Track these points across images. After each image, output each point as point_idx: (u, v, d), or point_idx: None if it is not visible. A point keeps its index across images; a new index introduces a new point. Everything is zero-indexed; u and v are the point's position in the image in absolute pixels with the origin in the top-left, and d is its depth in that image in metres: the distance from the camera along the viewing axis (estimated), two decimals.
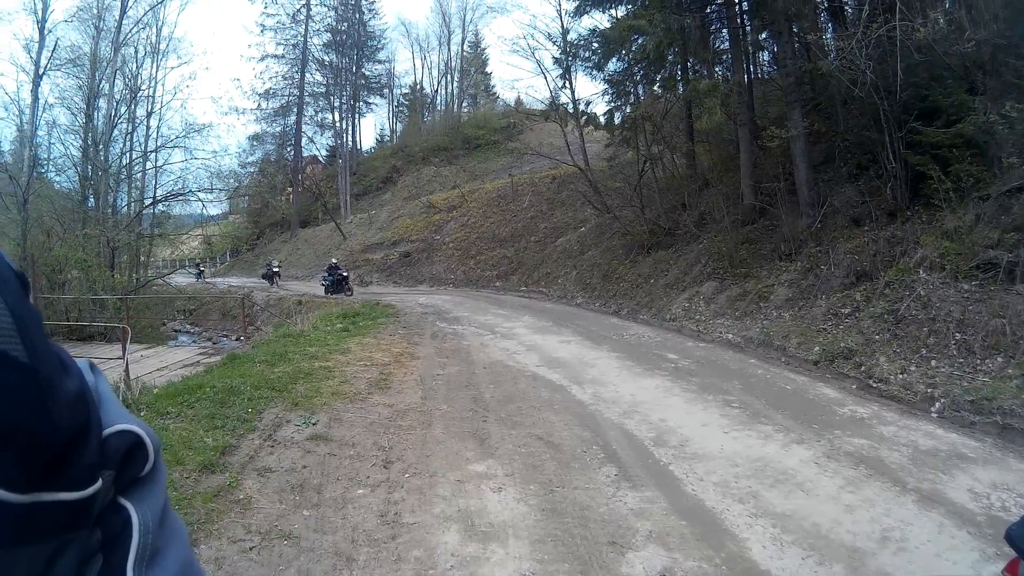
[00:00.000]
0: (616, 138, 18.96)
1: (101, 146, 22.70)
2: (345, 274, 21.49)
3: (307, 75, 46.66)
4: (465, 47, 52.42)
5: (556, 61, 21.04)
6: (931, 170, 8.97)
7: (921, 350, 7.46)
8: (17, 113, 22.54)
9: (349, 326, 12.32)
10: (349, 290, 20.78)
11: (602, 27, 18.21)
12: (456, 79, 52.39)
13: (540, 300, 18.15)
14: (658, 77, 16.93)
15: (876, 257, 9.36)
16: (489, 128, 41.24)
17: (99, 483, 0.51)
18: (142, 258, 25.16)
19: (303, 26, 46.12)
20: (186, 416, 5.92)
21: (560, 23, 20.88)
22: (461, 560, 3.69)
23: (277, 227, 45.01)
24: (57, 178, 23.94)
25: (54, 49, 21.48)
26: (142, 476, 0.59)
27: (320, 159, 51.14)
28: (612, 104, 18.82)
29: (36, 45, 21.05)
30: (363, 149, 54.12)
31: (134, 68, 24.76)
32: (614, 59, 17.72)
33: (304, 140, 47.61)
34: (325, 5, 47.27)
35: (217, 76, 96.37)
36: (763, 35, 14.94)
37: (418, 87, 54.66)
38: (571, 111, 20.60)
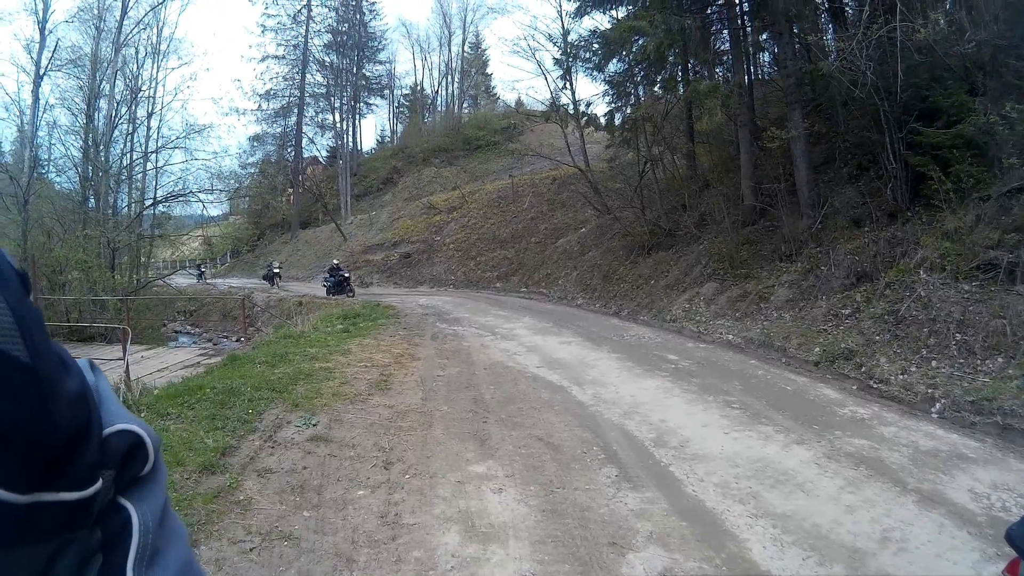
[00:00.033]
0: (616, 139, 18.98)
1: (102, 147, 22.71)
2: (347, 275, 21.42)
3: (308, 76, 46.76)
4: (466, 48, 52.50)
5: (556, 62, 21.10)
6: (931, 171, 8.97)
7: (921, 351, 7.45)
8: (18, 114, 22.61)
9: (349, 327, 12.32)
10: (351, 291, 20.70)
11: (603, 28, 18.28)
12: (457, 80, 52.47)
13: (540, 301, 18.14)
14: (658, 78, 16.94)
15: (876, 258, 9.36)
16: (490, 129, 41.21)
17: (99, 483, 0.51)
18: (142, 259, 25.21)
19: (304, 27, 46.23)
20: (186, 417, 5.92)
21: (560, 24, 20.97)
22: (461, 561, 3.69)
23: (278, 228, 45.03)
24: (58, 179, 24.02)
25: (55, 50, 21.55)
26: (142, 476, 0.59)
27: (321, 160, 51.17)
28: (613, 105, 18.84)
29: (37, 45, 21.13)
30: (364, 150, 54.25)
31: (135, 69, 24.82)
32: (615, 60, 17.76)
33: (305, 141, 47.75)
34: (326, 6, 47.41)
35: (218, 77, 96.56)
36: (763, 36, 14.95)
37: (419, 88, 54.69)
38: (572, 112, 20.62)
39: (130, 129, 24.33)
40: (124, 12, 23.77)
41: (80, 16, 23.09)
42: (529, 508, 4.36)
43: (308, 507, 4.36)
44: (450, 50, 51.76)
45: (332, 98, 47.59)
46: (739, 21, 14.49)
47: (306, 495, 4.55)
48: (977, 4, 9.16)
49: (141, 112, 25.03)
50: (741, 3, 14.27)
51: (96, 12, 23.36)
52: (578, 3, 18.71)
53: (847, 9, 13.05)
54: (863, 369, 7.62)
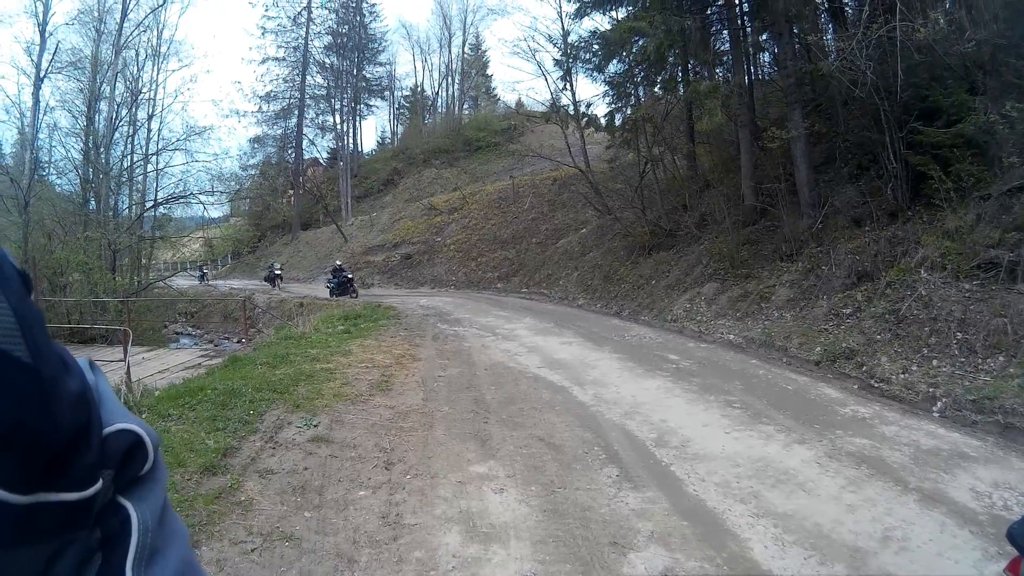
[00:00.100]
0: (617, 139, 18.99)
1: (102, 149, 22.72)
2: (350, 276, 21.34)
3: (308, 78, 46.73)
4: (466, 49, 52.47)
5: (557, 63, 21.07)
6: (932, 170, 8.97)
7: (923, 350, 7.45)
8: (18, 116, 22.63)
9: (350, 328, 12.32)
10: (354, 292, 20.62)
11: (603, 29, 18.29)
12: (457, 81, 52.45)
13: (541, 302, 18.14)
14: (659, 78, 16.96)
15: (877, 257, 9.36)
16: (490, 130, 41.16)
17: (99, 483, 0.51)
18: (143, 261, 25.21)
19: (304, 29, 46.20)
20: (187, 418, 5.92)
21: (560, 25, 20.92)
22: (462, 561, 3.69)
23: (278, 229, 45.01)
24: (58, 181, 24.02)
25: (55, 52, 21.56)
26: (142, 475, 0.59)
27: (321, 161, 51.15)
28: (613, 106, 18.85)
29: (37, 48, 21.14)
30: (364, 151, 54.23)
31: (135, 71, 24.84)
32: (615, 61, 17.77)
33: (305, 142, 47.73)
34: (326, 8, 47.38)
35: (218, 79, 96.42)
36: (763, 36, 14.95)
37: (419, 89, 54.69)
38: (572, 113, 20.61)
39: (130, 131, 24.39)
40: (124, 14, 23.82)
41: (80, 18, 23.16)
42: (530, 508, 4.36)
43: (309, 508, 4.36)
44: (450, 51, 51.83)
45: (332, 100, 47.61)
46: (739, 21, 14.49)
47: (307, 496, 4.55)
48: (977, 3, 9.16)
49: (141, 114, 25.10)
50: (741, 3, 14.28)
51: (96, 14, 23.42)
52: (578, 4, 18.70)
53: (847, 9, 13.07)
54: (864, 368, 7.62)
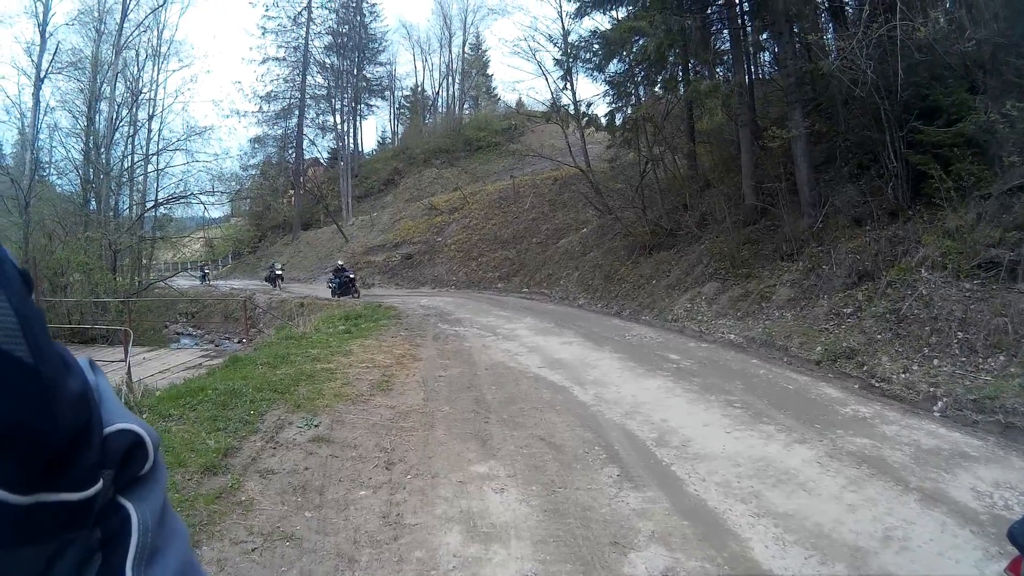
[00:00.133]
0: (617, 139, 18.99)
1: (103, 149, 22.76)
2: (352, 276, 21.24)
3: (308, 78, 46.76)
4: (466, 49, 52.47)
5: (557, 63, 21.05)
6: (932, 169, 8.96)
7: (923, 349, 7.45)
8: (19, 116, 22.69)
9: (351, 328, 12.32)
10: (356, 292, 20.56)
11: (603, 29, 18.29)
12: (457, 81, 52.46)
13: (542, 301, 18.13)
14: (659, 78, 16.96)
15: (878, 257, 9.35)
16: (490, 130, 41.15)
17: (100, 483, 0.51)
18: (144, 261, 25.25)
19: (304, 29, 46.23)
20: (188, 418, 5.92)
21: (561, 25, 20.90)
22: (463, 561, 3.69)
23: (279, 229, 45.03)
24: (59, 181, 24.07)
25: (55, 52, 21.58)
26: (142, 475, 0.59)
27: (322, 161, 51.15)
28: (613, 105, 18.85)
29: (37, 48, 21.17)
30: (365, 151, 54.24)
31: (135, 71, 24.88)
32: (615, 60, 17.77)
33: (305, 142, 47.76)
34: (326, 8, 47.41)
35: (218, 79, 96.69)
36: (764, 36, 14.95)
37: (419, 89, 54.71)
38: (572, 112, 20.59)
39: (131, 131, 24.43)
40: (124, 15, 23.86)
41: (80, 19, 23.22)
42: (531, 508, 4.36)
43: (310, 507, 4.36)
44: (450, 51, 51.85)
45: (333, 100, 47.65)
46: (739, 21, 14.49)
47: (308, 496, 4.55)
48: (977, 3, 9.16)
49: (142, 114, 25.15)
50: (741, 3, 14.27)
51: (96, 15, 23.47)
52: (578, 4, 18.69)
53: (847, 8, 13.06)
54: (865, 368, 7.61)
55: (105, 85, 23.41)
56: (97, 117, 23.23)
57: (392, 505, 4.42)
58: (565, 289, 18.52)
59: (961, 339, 7.22)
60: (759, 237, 12.73)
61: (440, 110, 53.01)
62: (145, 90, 25.15)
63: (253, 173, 43.62)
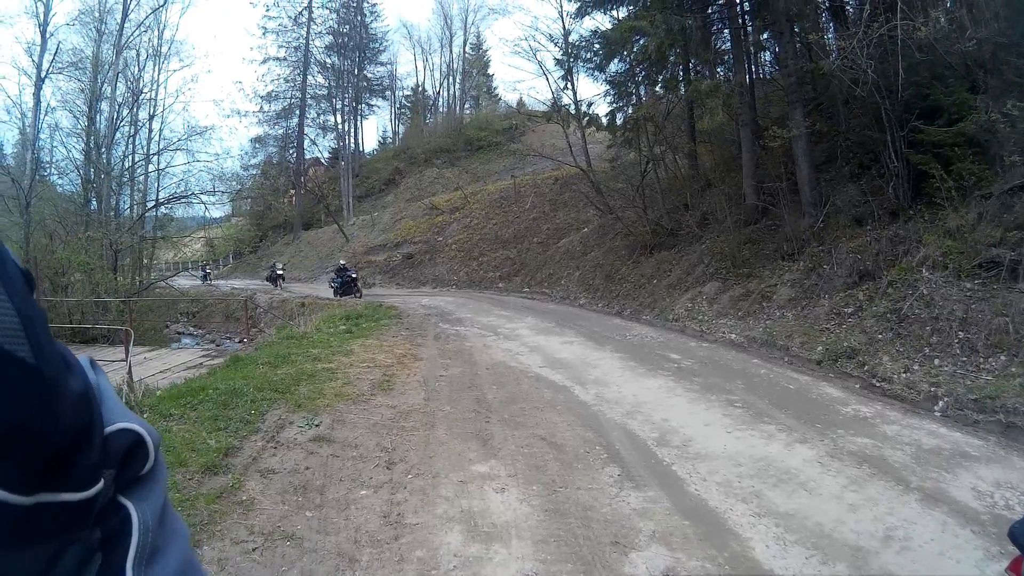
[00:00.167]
0: (618, 139, 18.96)
1: (103, 149, 22.76)
2: (355, 275, 21.18)
3: (309, 77, 46.81)
4: (467, 49, 52.47)
5: (558, 62, 20.99)
6: (933, 169, 8.95)
7: (924, 349, 7.45)
8: (19, 116, 22.67)
9: (352, 328, 12.32)
10: (358, 292, 20.47)
11: (603, 28, 18.23)
12: (458, 81, 52.47)
13: (543, 301, 18.13)
14: (660, 78, 16.95)
15: (879, 256, 9.34)
16: (491, 130, 41.13)
17: (101, 483, 0.51)
18: (145, 261, 25.22)
19: (305, 29, 46.27)
20: (189, 418, 5.92)
21: (561, 24, 20.85)
22: (464, 560, 3.70)
23: (280, 229, 45.05)
24: (59, 181, 24.07)
25: (56, 52, 21.56)
26: (142, 475, 0.59)
27: (322, 161, 51.17)
28: (614, 105, 18.81)
29: (38, 48, 21.16)
30: (365, 151, 54.29)
31: (136, 71, 24.84)
32: (616, 60, 17.73)
33: (306, 142, 47.82)
34: (327, 8, 47.42)
35: (219, 79, 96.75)
36: (764, 35, 14.94)
37: (420, 89, 54.71)
38: (573, 112, 20.55)
39: (132, 131, 24.43)
40: (125, 15, 23.85)
41: (81, 19, 23.21)
42: (532, 508, 4.36)
43: (311, 507, 4.37)
44: (451, 51, 51.87)
45: (334, 99, 47.65)
46: (740, 20, 14.49)
47: (309, 495, 4.55)
48: (977, 2, 9.15)
49: (143, 114, 25.14)
50: (742, 2, 14.26)
51: (97, 15, 23.47)
52: (579, 3, 18.66)
53: (848, 8, 13.06)
54: (866, 368, 7.61)
55: (106, 85, 23.43)
56: (98, 117, 23.27)
57: (393, 505, 4.43)
58: (566, 289, 18.52)
59: (962, 339, 7.21)
60: (760, 237, 12.72)
61: (441, 110, 53.06)
62: (146, 90, 25.17)
63: (254, 173, 43.74)
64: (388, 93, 53.52)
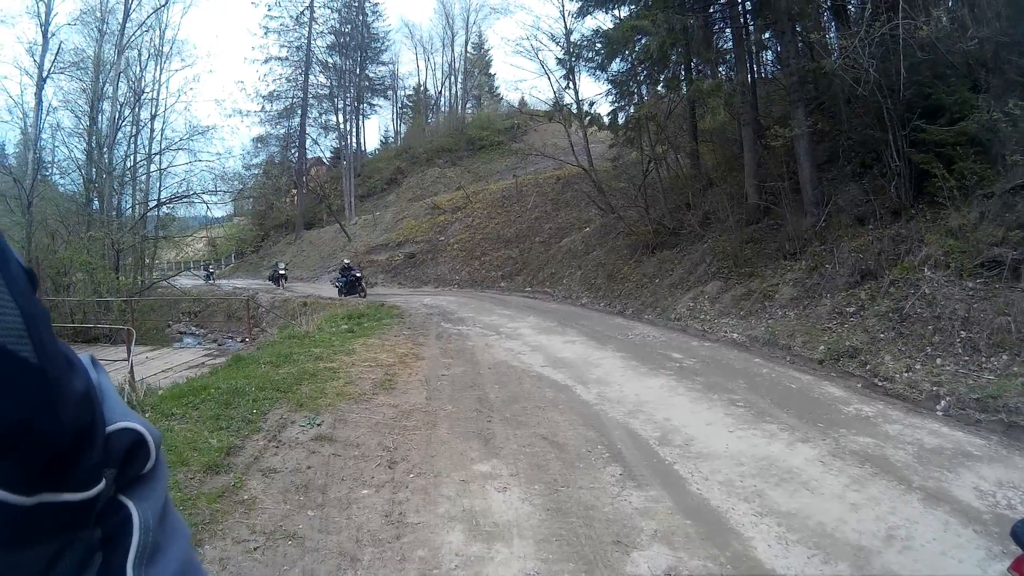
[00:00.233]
0: (620, 138, 18.96)
1: (105, 149, 22.82)
2: (359, 275, 21.06)
3: (311, 77, 46.79)
4: (469, 48, 52.42)
5: (559, 62, 21.00)
6: (935, 168, 8.94)
7: (926, 348, 7.44)
8: (21, 116, 22.74)
9: (354, 327, 12.33)
10: (363, 291, 20.38)
11: (605, 28, 18.23)
12: (460, 80, 52.42)
13: (545, 300, 18.14)
14: (662, 77, 16.93)
15: (881, 255, 9.33)
16: (493, 129, 41.15)
17: (103, 483, 0.51)
18: (147, 260, 25.27)
19: (307, 28, 46.23)
20: (191, 417, 5.93)
21: (563, 24, 20.84)
22: (465, 560, 3.70)
23: (282, 229, 45.08)
24: (61, 181, 24.13)
25: (57, 52, 21.59)
26: (143, 474, 0.59)
27: (324, 161, 51.13)
28: (616, 104, 18.82)
29: (39, 48, 21.20)
30: (367, 151, 54.21)
31: (138, 71, 24.91)
32: (617, 59, 17.72)
33: (308, 142, 47.73)
34: (328, 7, 47.39)
35: (221, 79, 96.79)
36: (766, 35, 14.91)
37: (422, 89, 54.68)
38: (575, 112, 20.55)
39: (133, 131, 24.50)
40: (127, 14, 23.88)
41: (83, 19, 23.28)
42: (533, 507, 4.36)
43: (312, 506, 4.37)
44: (453, 51, 51.83)
45: (335, 99, 47.62)
46: (742, 20, 14.48)
47: (310, 494, 4.56)
48: (979, 1, 9.14)
49: (144, 114, 25.21)
50: (743, 2, 14.27)
51: (99, 15, 23.52)
52: (580, 3, 18.67)
53: (849, 7, 13.04)
54: (868, 367, 7.60)
55: (107, 85, 23.49)
56: (100, 117, 23.33)
57: (395, 504, 4.43)
58: (568, 288, 18.51)
59: (964, 338, 7.20)
60: (762, 236, 12.71)
61: (443, 109, 53.00)
62: (148, 90, 25.23)
63: (256, 172, 43.82)
64: (390, 93, 53.52)
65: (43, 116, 21.85)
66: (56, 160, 23.41)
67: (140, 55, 24.90)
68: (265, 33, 46.30)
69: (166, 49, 25.88)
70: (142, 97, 24.72)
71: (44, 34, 21.10)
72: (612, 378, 8.01)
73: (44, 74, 21.16)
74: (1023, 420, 5.57)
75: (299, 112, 46.44)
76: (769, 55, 16.48)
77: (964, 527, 3.89)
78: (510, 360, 9.23)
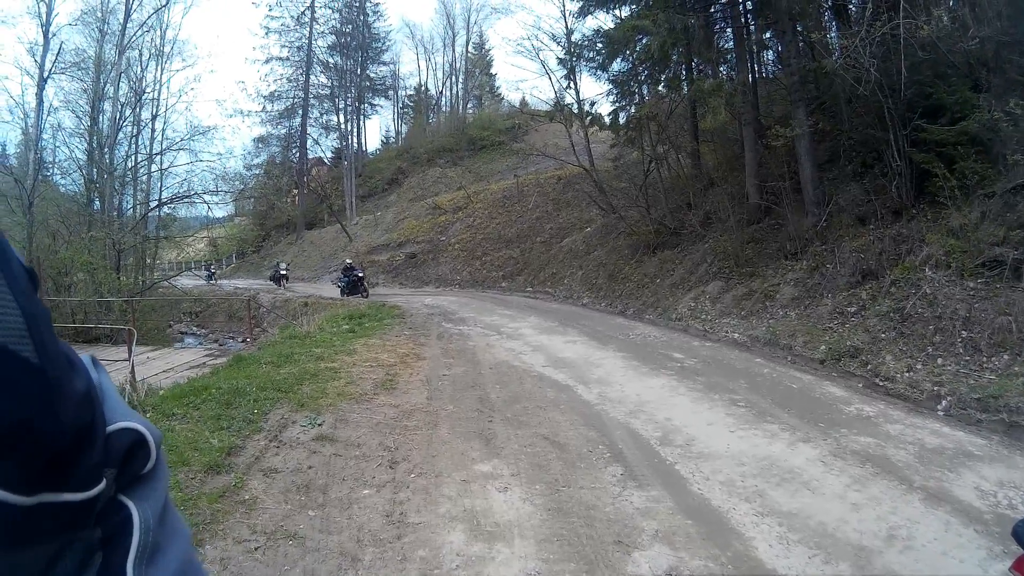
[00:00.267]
0: (621, 138, 18.96)
1: (106, 149, 22.83)
2: (361, 275, 21.06)
3: (312, 77, 46.85)
4: (469, 48, 52.45)
5: (560, 62, 21.01)
6: (936, 168, 8.93)
7: (927, 348, 7.43)
8: (22, 116, 22.77)
9: (355, 327, 12.32)
10: (365, 291, 20.36)
11: (606, 27, 18.28)
12: (461, 80, 52.50)
13: (546, 300, 18.14)
14: (662, 77, 16.95)
15: (882, 255, 9.32)
16: (494, 129, 41.14)
17: (103, 483, 0.51)
18: (148, 260, 25.29)
19: (307, 28, 46.28)
20: (192, 417, 5.93)
21: (564, 24, 20.81)
22: (467, 560, 3.69)
23: (283, 229, 45.11)
24: (62, 181, 24.14)
25: (58, 52, 21.59)
26: (144, 474, 0.59)
27: (325, 161, 51.20)
28: (617, 104, 18.86)
29: (40, 48, 21.18)
30: (368, 151, 54.30)
31: (138, 71, 24.92)
32: (618, 59, 17.75)
33: (309, 142, 47.82)
34: (329, 7, 47.45)
35: (222, 79, 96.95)
36: (767, 34, 14.94)
37: (423, 89, 54.75)
38: (576, 112, 20.55)
39: (134, 131, 24.51)
40: (127, 15, 23.88)
41: (83, 19, 23.29)
42: (534, 507, 4.36)
43: (313, 506, 4.37)
44: (454, 51, 51.88)
45: (336, 99, 47.71)
46: (743, 20, 14.47)
47: (311, 494, 4.56)
48: (980, 1, 9.13)
49: (145, 114, 25.22)
50: (744, 2, 14.26)
51: (99, 15, 23.52)
52: (581, 3, 18.70)
53: (850, 7, 13.03)
54: (869, 367, 7.60)
55: (108, 85, 23.50)
56: (100, 117, 23.32)
57: (395, 504, 4.43)
58: (569, 288, 18.52)
59: (965, 338, 7.20)
60: (763, 236, 12.71)
61: (444, 109, 53.08)
62: (148, 90, 25.24)
63: (257, 173, 43.82)
64: (391, 93, 53.57)
65: (44, 116, 21.91)
66: (57, 160, 23.47)
67: (141, 55, 24.96)
68: (266, 33, 46.43)
69: (167, 49, 25.98)
70: (143, 97, 24.77)
71: (45, 34, 21.13)
72: (613, 378, 8.01)
73: (45, 74, 21.19)
74: None
75: (300, 112, 46.53)
76: (770, 55, 16.55)
77: (965, 527, 3.88)
78: (511, 360, 9.23)
